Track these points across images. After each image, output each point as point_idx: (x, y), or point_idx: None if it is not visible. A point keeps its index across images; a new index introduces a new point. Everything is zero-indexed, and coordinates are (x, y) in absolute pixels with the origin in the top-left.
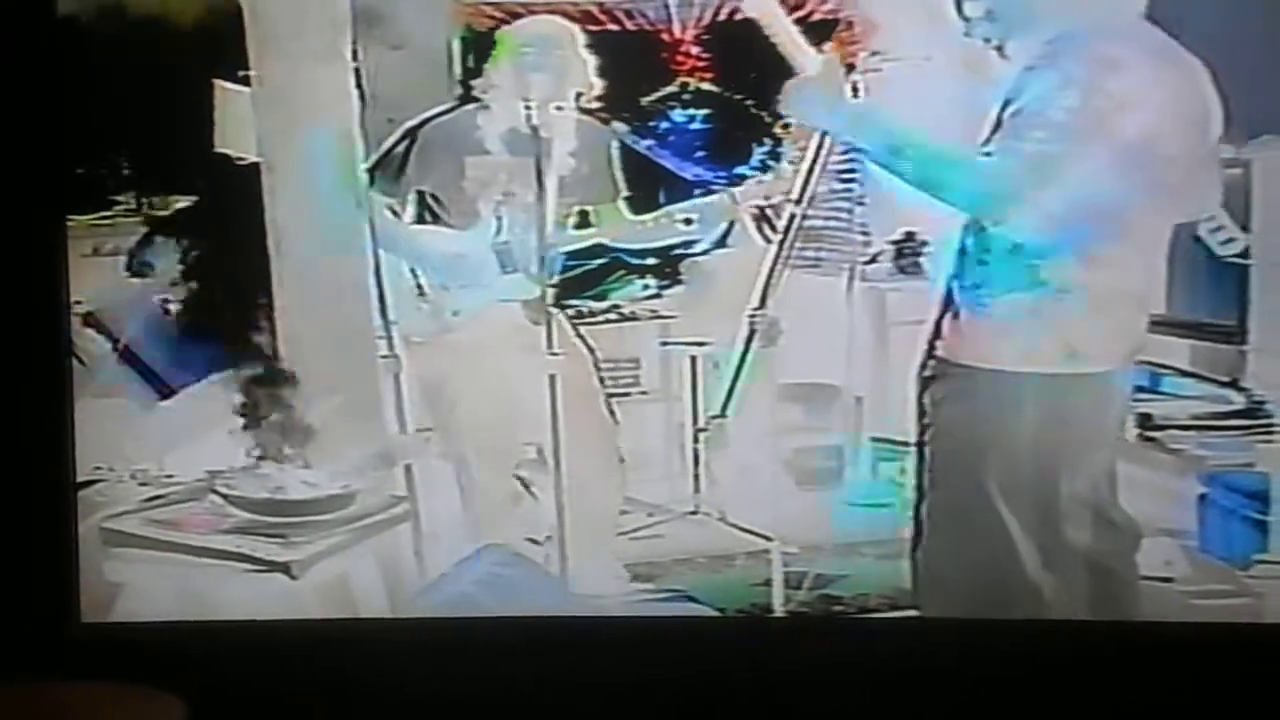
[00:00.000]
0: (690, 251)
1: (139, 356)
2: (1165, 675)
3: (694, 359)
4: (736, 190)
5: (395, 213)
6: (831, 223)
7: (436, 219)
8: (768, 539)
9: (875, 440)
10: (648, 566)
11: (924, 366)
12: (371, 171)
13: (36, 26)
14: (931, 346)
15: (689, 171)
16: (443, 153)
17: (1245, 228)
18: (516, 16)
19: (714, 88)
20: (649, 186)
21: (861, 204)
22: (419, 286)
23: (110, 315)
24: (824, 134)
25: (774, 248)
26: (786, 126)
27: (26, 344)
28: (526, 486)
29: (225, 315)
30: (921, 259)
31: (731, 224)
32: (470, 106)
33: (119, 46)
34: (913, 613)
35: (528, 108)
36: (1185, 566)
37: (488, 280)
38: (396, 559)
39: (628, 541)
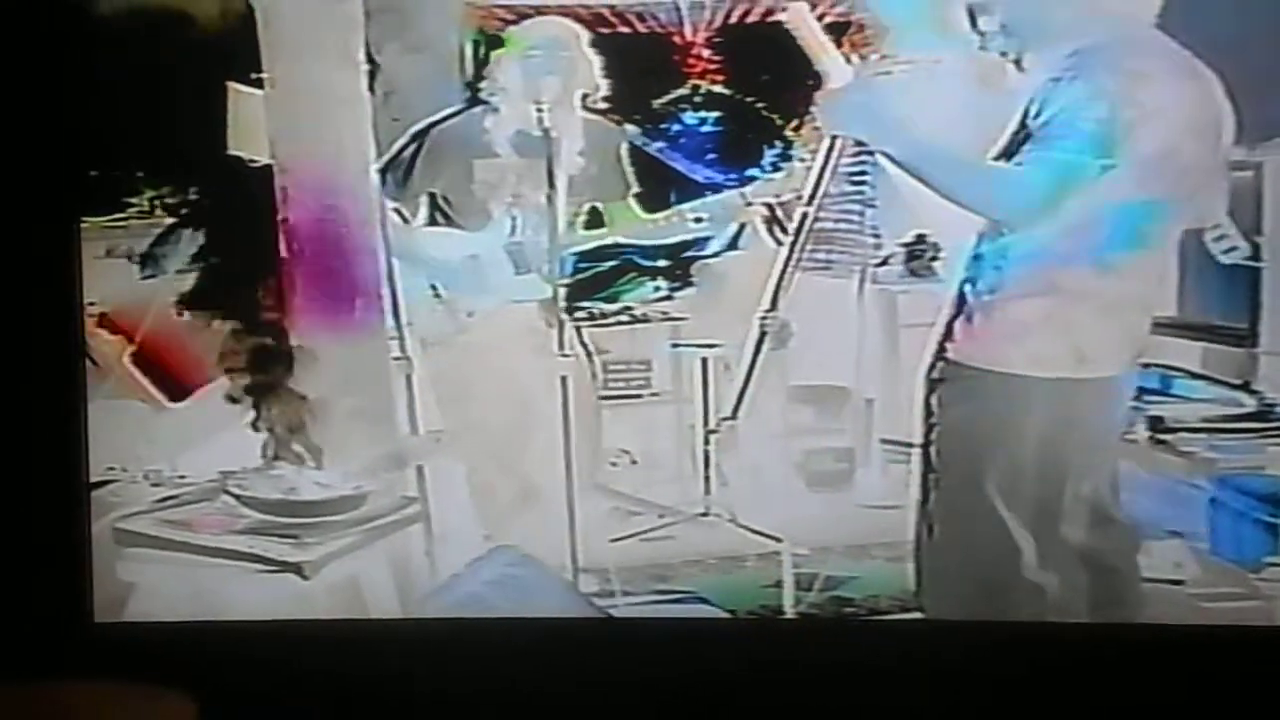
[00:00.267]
0: (701, 254)
1: (152, 358)
2: (1175, 678)
3: (705, 361)
4: (748, 188)
5: (404, 217)
6: (842, 225)
7: (448, 220)
8: (778, 540)
9: (886, 442)
10: (659, 568)
11: (932, 368)
12: (382, 174)
13: (51, 28)
14: (942, 349)
15: (700, 174)
16: (451, 155)
17: (1257, 230)
18: (527, 19)
19: (725, 90)
20: (660, 183)
21: (873, 206)
22: (434, 287)
23: (124, 316)
24: (835, 137)
25: (785, 250)
26: (798, 129)
27: (40, 345)
28: None
29: (237, 317)
30: (936, 262)
31: (743, 226)
32: (477, 109)
33: (133, 49)
34: (922, 615)
35: (539, 111)
36: (1195, 569)
37: (502, 282)
38: (408, 560)
39: (639, 543)
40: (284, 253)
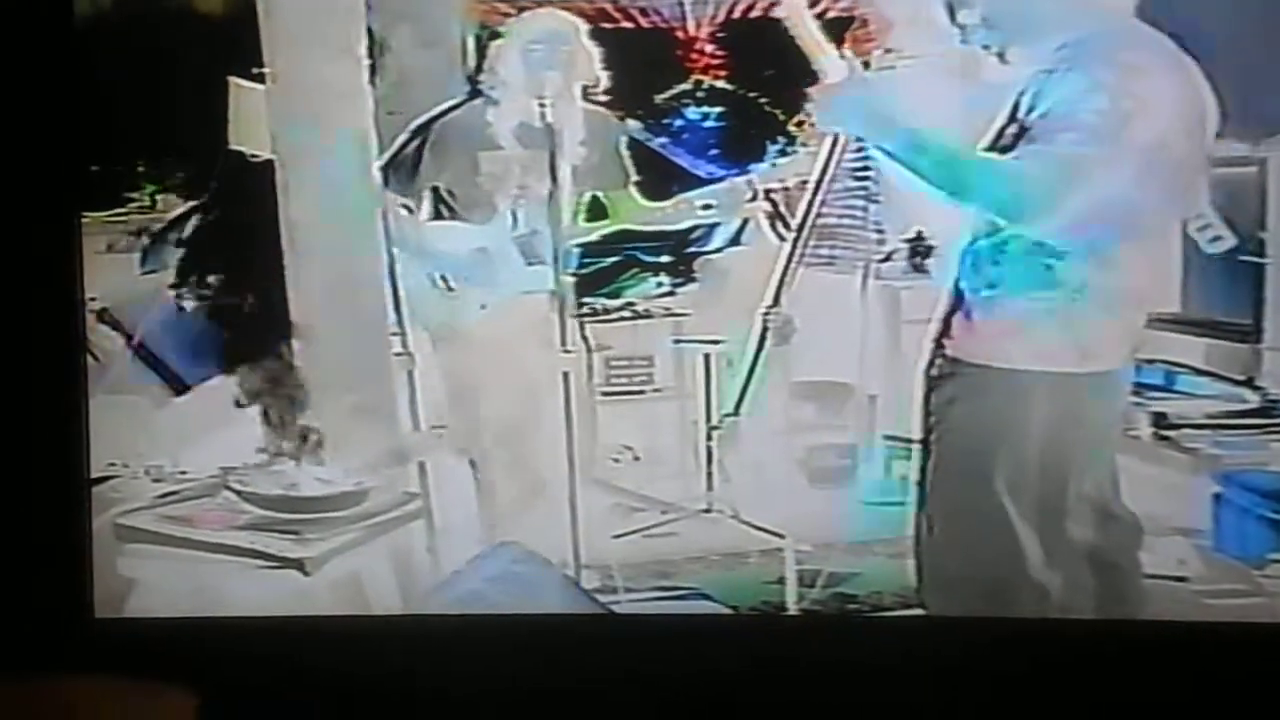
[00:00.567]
0: (704, 249)
1: (153, 353)
2: (1179, 675)
3: (707, 357)
4: (754, 174)
5: (410, 210)
6: (846, 220)
7: (453, 214)
8: (781, 537)
9: (889, 438)
10: (661, 564)
11: (931, 365)
12: (385, 169)
13: (52, 24)
14: (940, 345)
15: (702, 169)
16: (455, 149)
17: (1261, 226)
18: (527, 10)
19: (728, 85)
20: (659, 171)
21: (876, 201)
22: (444, 278)
23: (124, 312)
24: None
25: (788, 245)
26: (800, 124)
27: (41, 340)
28: None
29: (239, 312)
30: (930, 260)
31: (745, 221)
32: (478, 102)
33: (134, 43)
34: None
35: (542, 105)
36: (1199, 566)
37: (512, 273)
38: (409, 556)
39: (642, 539)
40: (285, 247)
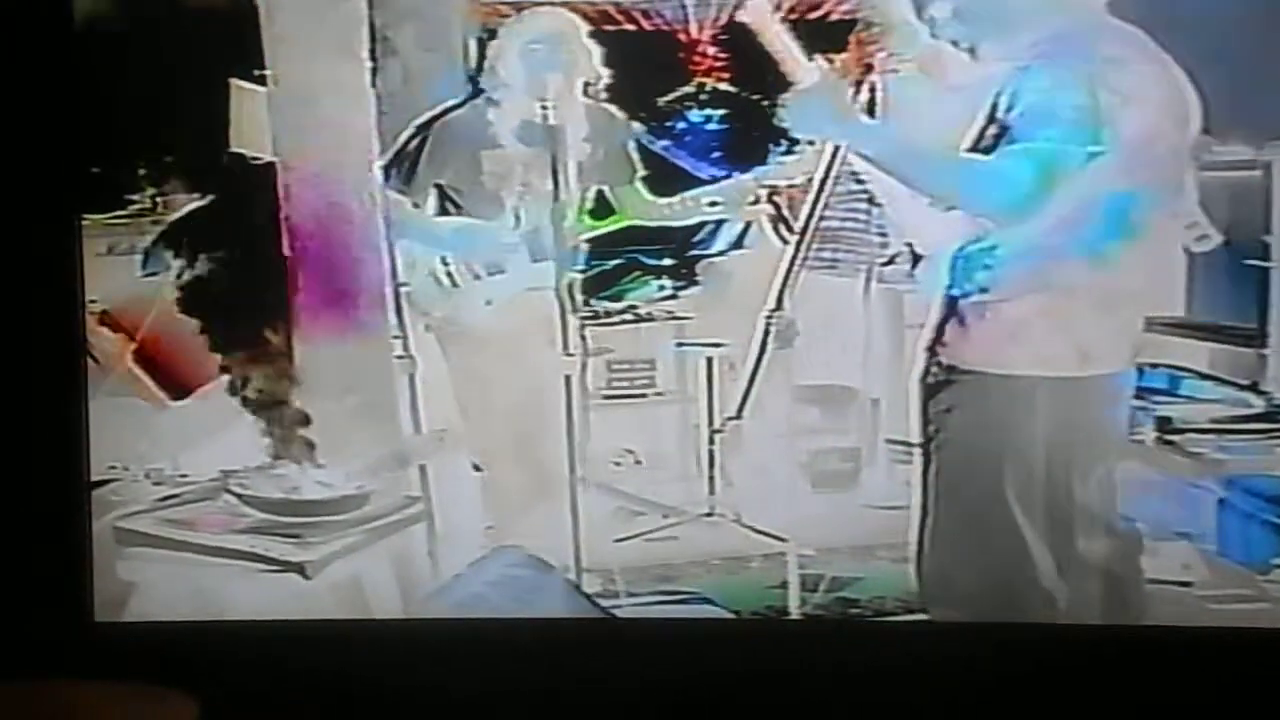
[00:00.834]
0: (707, 252)
1: (153, 356)
2: (1183, 680)
3: (710, 360)
4: (761, 170)
5: (416, 205)
6: (849, 223)
7: (459, 211)
8: (783, 541)
9: (891, 442)
10: (663, 568)
11: (927, 373)
12: (387, 169)
13: (52, 25)
14: (934, 353)
15: (705, 172)
16: (457, 148)
17: (1266, 229)
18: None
19: (730, 88)
20: (666, 165)
21: (879, 205)
22: (450, 276)
23: (125, 314)
24: None
25: (790, 249)
26: None
27: (41, 343)
28: None
29: (240, 314)
30: (917, 269)
31: (748, 224)
32: (479, 100)
33: (134, 45)
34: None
35: (544, 107)
36: (1203, 571)
37: (519, 269)
38: (410, 560)
39: (643, 543)
40: (287, 250)
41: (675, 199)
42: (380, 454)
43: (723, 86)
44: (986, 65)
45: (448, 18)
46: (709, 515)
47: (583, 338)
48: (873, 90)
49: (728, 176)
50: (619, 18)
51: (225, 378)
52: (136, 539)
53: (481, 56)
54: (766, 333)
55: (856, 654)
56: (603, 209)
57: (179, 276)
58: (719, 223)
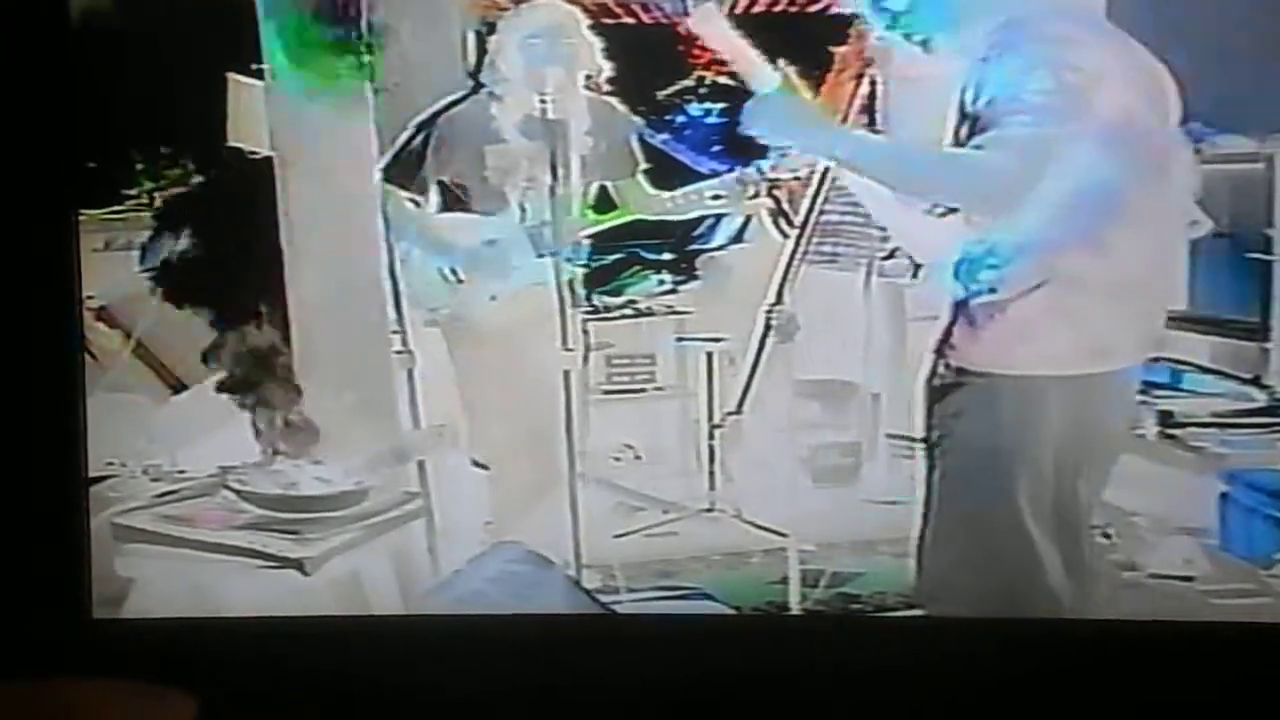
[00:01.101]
0: (707, 246)
1: (151, 351)
2: (1185, 675)
3: (710, 355)
4: (761, 163)
5: (418, 204)
6: (849, 217)
7: (463, 207)
8: (784, 536)
9: (892, 437)
10: (663, 564)
11: (933, 376)
12: (389, 165)
13: (48, 20)
14: (941, 355)
15: (705, 166)
16: (460, 143)
17: (1269, 223)
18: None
19: (730, 81)
20: (667, 159)
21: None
22: (454, 271)
23: (122, 310)
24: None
25: (791, 243)
26: None
27: (38, 339)
28: None
29: (238, 310)
30: (920, 271)
31: (748, 218)
32: (480, 95)
33: (131, 40)
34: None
35: (543, 101)
36: (1205, 565)
37: (523, 264)
38: (409, 556)
39: (643, 539)
40: (284, 245)
41: (678, 193)
42: (379, 449)
43: (722, 80)
44: (944, 59)
45: (446, 12)
46: (709, 510)
47: (583, 333)
48: (873, 86)
49: (729, 170)
50: (618, 11)
51: (222, 374)
52: (135, 535)
53: (481, 51)
54: (767, 327)
55: (857, 649)
56: (605, 203)
57: (176, 271)
58: (719, 217)
